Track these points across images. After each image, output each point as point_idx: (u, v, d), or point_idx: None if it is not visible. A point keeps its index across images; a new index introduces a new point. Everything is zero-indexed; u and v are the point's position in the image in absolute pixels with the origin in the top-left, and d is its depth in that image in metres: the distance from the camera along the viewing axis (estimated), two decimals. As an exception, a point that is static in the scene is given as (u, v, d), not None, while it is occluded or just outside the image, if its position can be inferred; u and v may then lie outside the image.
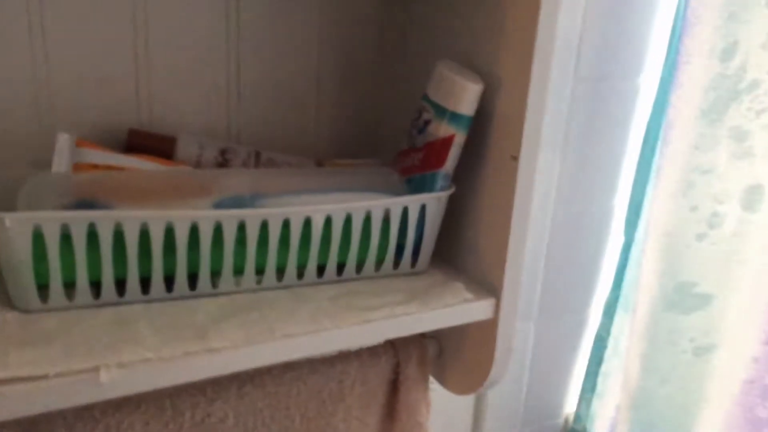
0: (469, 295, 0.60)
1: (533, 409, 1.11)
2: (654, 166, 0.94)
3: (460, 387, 0.68)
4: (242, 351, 0.49)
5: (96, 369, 0.44)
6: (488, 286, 0.61)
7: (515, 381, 1.06)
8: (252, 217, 0.52)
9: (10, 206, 0.47)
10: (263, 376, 0.61)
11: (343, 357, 0.65)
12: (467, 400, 1.02)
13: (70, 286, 0.49)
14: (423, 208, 0.59)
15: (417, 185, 0.60)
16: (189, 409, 0.57)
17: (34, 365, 0.43)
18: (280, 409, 0.62)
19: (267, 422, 0.61)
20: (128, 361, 0.45)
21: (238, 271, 0.54)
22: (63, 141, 0.52)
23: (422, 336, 0.69)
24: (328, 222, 0.56)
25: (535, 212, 0.96)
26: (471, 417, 1.03)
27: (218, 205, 0.52)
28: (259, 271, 0.55)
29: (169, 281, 0.52)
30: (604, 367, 1.07)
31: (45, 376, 0.43)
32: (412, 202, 0.59)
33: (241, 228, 0.52)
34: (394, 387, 0.69)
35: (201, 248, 0.51)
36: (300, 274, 0.57)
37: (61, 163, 0.51)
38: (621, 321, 1.04)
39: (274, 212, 0.53)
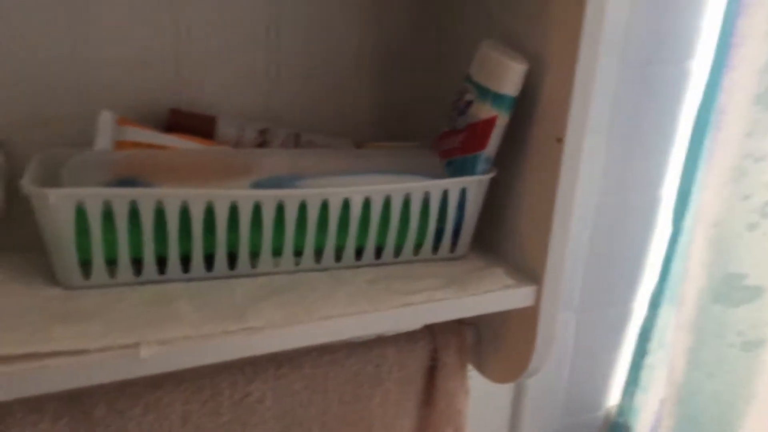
0: (509, 282, 0.59)
1: (574, 401, 1.09)
2: (704, 153, 0.91)
3: (499, 375, 0.67)
4: (280, 331, 0.49)
5: (136, 345, 0.44)
6: (530, 272, 0.60)
7: (556, 372, 1.04)
8: (290, 197, 0.52)
9: (54, 184, 0.47)
10: (301, 358, 0.61)
11: (381, 341, 0.65)
12: (506, 390, 1.01)
13: (112, 263, 0.50)
14: (463, 192, 0.58)
15: (458, 168, 0.59)
16: (228, 389, 0.57)
17: (76, 340, 0.44)
18: (317, 392, 0.61)
19: (305, 404, 0.61)
20: (168, 338, 0.45)
21: (277, 251, 0.54)
22: (105, 119, 0.52)
23: (461, 322, 0.68)
24: (366, 204, 0.55)
25: (578, 199, 0.93)
26: (510, 407, 1.02)
27: (257, 185, 0.52)
28: (298, 252, 0.55)
29: (209, 260, 0.52)
30: (648, 360, 1.05)
31: (86, 351, 0.43)
32: (453, 185, 0.58)
33: (280, 208, 0.52)
34: (431, 373, 0.68)
35: (240, 228, 0.51)
36: (338, 257, 0.57)
37: (103, 141, 0.52)
38: (667, 313, 1.01)
39: (312, 193, 0.53)
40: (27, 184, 0.46)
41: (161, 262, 0.51)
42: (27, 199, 0.46)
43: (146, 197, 0.48)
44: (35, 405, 0.50)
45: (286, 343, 0.51)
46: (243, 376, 0.58)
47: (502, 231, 0.63)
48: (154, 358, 0.45)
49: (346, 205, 0.54)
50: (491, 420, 1.01)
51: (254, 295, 0.52)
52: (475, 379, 0.70)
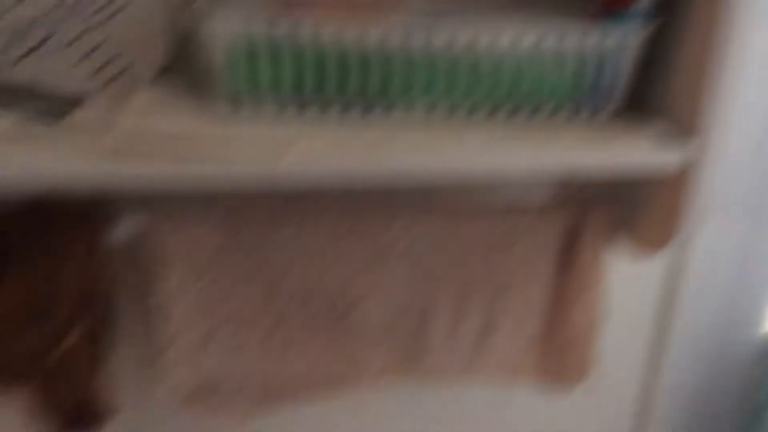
0: (659, 143, 0.56)
1: (732, 316, 1.02)
2: None
3: (645, 246, 0.64)
4: (412, 162, 0.51)
5: (279, 157, 0.48)
6: (683, 134, 0.56)
7: (716, 280, 0.98)
8: (436, 37, 0.52)
9: (214, 18, 0.51)
10: (436, 213, 0.63)
11: (517, 209, 0.65)
12: (656, 288, 0.96)
13: (259, 96, 0.53)
14: (616, 47, 0.55)
15: (611, 22, 0.56)
16: (366, 228, 0.61)
17: (224, 153, 0.48)
18: (449, 247, 0.63)
19: (436, 256, 0.63)
20: (305, 154, 0.49)
21: (418, 93, 0.55)
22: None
23: (603, 191, 0.66)
24: (512, 51, 0.54)
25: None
26: (660, 302, 0.97)
27: (403, 24, 0.53)
28: (437, 97, 0.56)
29: (348, 100, 0.54)
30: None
31: (232, 161, 0.48)
32: (606, 37, 0.55)
33: (426, 49, 0.53)
34: (569, 242, 0.67)
35: (383, 67, 0.53)
36: (476, 106, 0.56)
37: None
38: None
39: (458, 34, 0.52)
40: (189, 17, 0.50)
41: (305, 98, 0.54)
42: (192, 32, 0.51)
43: (295, 32, 0.51)
44: (200, 210, 0.56)
45: (416, 177, 0.53)
46: (380, 219, 0.61)
47: (656, 89, 0.59)
48: (291, 171, 0.48)
49: (490, 51, 0.54)
50: (636, 318, 0.97)
51: (391, 132, 0.54)
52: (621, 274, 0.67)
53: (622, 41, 0.55)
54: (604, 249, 0.67)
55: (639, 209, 0.64)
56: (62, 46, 0.54)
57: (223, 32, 0.50)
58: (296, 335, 0.63)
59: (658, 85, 0.59)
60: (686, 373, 1.01)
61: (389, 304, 0.64)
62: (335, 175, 0.50)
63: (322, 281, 0.62)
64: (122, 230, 0.57)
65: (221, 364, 0.63)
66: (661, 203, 0.61)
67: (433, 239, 0.62)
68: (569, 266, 0.67)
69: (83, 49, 0.54)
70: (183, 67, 0.57)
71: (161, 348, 0.61)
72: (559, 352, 0.71)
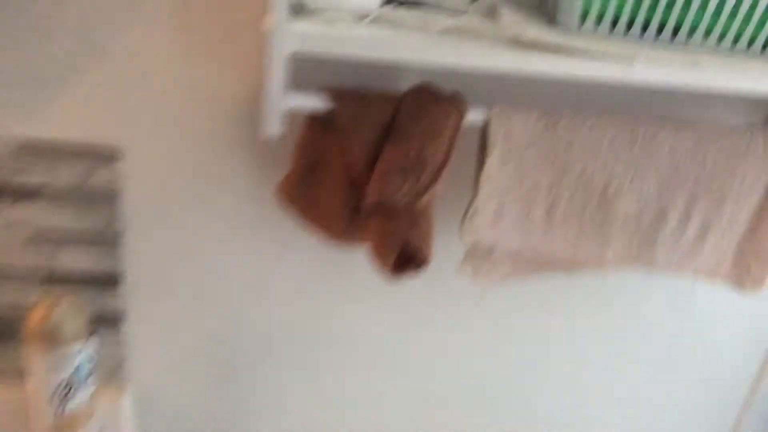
0: None
1: None
2: None
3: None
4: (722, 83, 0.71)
5: (632, 58, 0.66)
6: None
7: None
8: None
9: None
10: (690, 128, 0.79)
11: (755, 129, 0.81)
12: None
13: (599, 17, 0.71)
14: None
15: None
16: (640, 134, 0.78)
17: (589, 51, 0.66)
18: (698, 152, 0.79)
19: (688, 157, 0.79)
20: (652, 58, 0.68)
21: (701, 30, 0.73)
22: None
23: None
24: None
25: None
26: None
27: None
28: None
29: (660, 28, 0.72)
30: None
31: (594, 52, 0.67)
32: None
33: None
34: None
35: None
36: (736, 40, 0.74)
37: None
38: None
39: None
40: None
41: (629, 24, 0.71)
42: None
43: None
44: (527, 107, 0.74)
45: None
46: (653, 126, 0.78)
47: None
48: (642, 72, 0.66)
49: None
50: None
51: (698, 55, 0.72)
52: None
53: None
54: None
55: None
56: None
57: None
58: (567, 217, 0.81)
59: None
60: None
61: (640, 201, 0.81)
62: (667, 83, 0.68)
63: (596, 174, 0.79)
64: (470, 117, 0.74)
65: (504, 234, 0.81)
66: None
67: (688, 149, 0.79)
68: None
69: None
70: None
71: (470, 215, 0.79)
72: (750, 262, 0.88)
